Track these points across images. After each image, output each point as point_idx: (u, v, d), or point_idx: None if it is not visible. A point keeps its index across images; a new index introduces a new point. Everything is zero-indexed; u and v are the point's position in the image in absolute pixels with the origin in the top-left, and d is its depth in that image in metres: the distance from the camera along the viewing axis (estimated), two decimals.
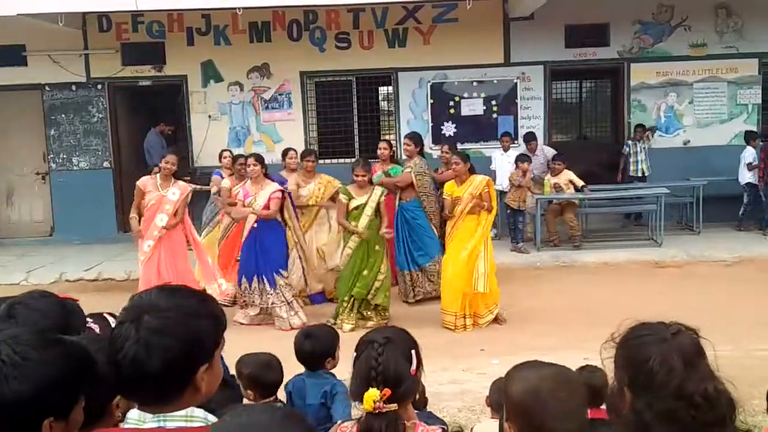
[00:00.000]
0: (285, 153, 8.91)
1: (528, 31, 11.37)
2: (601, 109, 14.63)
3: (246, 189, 7.62)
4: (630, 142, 11.18)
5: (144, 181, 7.57)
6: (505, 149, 10.68)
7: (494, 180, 10.01)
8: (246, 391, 3.55)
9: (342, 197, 7.45)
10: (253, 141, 11.62)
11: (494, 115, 11.67)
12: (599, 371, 3.67)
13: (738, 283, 8.60)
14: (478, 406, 5.01)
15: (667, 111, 11.67)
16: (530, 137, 10.89)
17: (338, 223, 7.70)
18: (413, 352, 2.07)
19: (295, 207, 8.15)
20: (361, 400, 1.95)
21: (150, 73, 11.70)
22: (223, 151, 9.47)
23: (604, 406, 3.24)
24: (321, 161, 9.54)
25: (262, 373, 3.54)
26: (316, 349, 3.67)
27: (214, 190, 8.74)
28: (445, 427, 2.77)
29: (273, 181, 7.75)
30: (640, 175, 11.10)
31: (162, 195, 7.42)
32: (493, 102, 11.64)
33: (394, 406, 1.94)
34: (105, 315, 2.34)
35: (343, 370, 3.67)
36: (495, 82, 11.61)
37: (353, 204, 7.38)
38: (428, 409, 3.87)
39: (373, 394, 1.93)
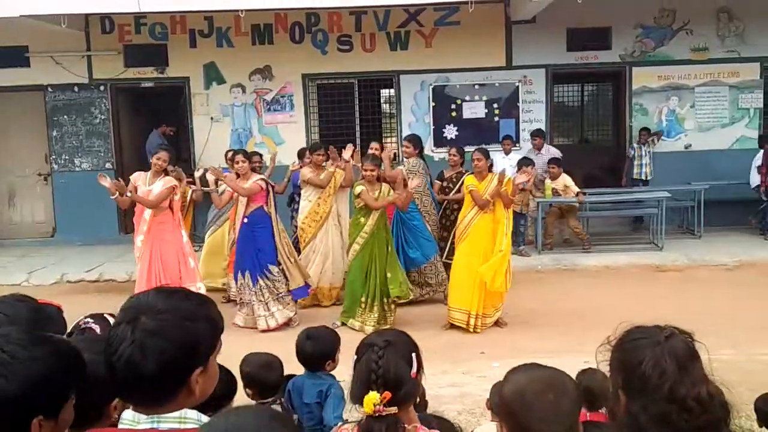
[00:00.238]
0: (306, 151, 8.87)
1: (530, 34, 11.38)
2: (603, 113, 14.63)
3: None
4: (635, 145, 11.18)
5: (135, 177, 7.55)
6: (507, 152, 10.69)
7: None
8: (246, 390, 3.57)
9: (359, 187, 7.39)
10: (255, 143, 11.62)
11: (496, 118, 11.68)
12: (599, 374, 3.68)
13: (739, 287, 8.60)
14: (478, 409, 5.01)
15: (668, 115, 11.68)
16: (538, 133, 10.90)
17: (375, 207, 7.35)
18: (414, 355, 2.07)
19: (298, 198, 8.19)
20: (361, 403, 1.95)
21: (152, 74, 11.72)
22: (228, 151, 9.52)
23: (603, 410, 3.26)
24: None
25: (261, 373, 3.54)
26: (316, 350, 3.70)
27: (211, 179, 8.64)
28: (450, 423, 2.77)
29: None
30: (643, 178, 11.11)
31: (149, 190, 7.42)
32: (495, 105, 11.65)
33: (394, 410, 1.94)
34: (106, 316, 2.34)
35: (343, 371, 3.69)
36: (497, 85, 11.62)
37: (363, 202, 7.37)
38: (428, 412, 3.87)
39: (373, 397, 1.93)
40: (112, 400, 1.80)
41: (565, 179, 10.15)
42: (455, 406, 5.15)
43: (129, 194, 7.28)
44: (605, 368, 1.87)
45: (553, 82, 11.83)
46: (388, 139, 12.57)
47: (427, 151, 11.06)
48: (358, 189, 7.35)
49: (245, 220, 7.55)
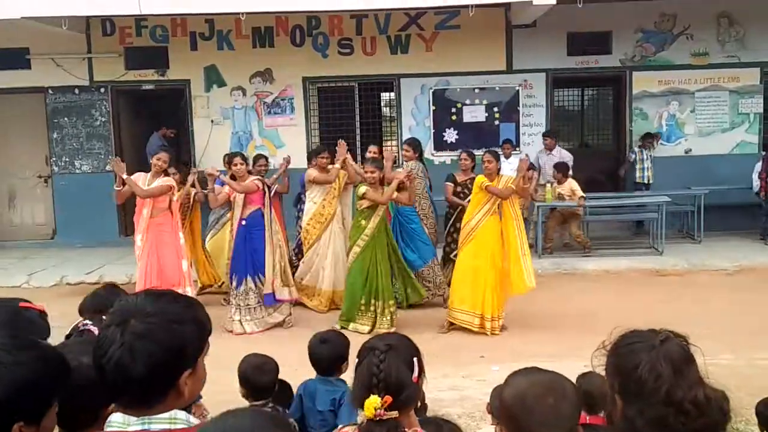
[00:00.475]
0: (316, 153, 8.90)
1: (530, 38, 11.40)
2: (603, 117, 14.63)
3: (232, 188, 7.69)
4: (637, 148, 11.18)
5: (136, 177, 7.56)
6: (507, 156, 10.69)
7: None
8: (240, 389, 3.58)
9: (363, 187, 7.38)
10: (255, 146, 11.63)
11: (496, 122, 11.69)
12: (599, 378, 3.68)
13: (739, 292, 8.60)
14: (479, 413, 5.00)
15: (668, 119, 11.69)
16: (549, 134, 10.93)
17: (385, 200, 7.37)
18: (415, 359, 2.07)
19: (281, 201, 8.21)
20: (362, 407, 1.95)
21: (153, 77, 11.73)
22: (226, 155, 9.49)
23: (603, 413, 3.26)
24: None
25: (253, 374, 3.56)
26: (332, 353, 3.70)
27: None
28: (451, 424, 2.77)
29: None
30: (646, 182, 11.11)
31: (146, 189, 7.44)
32: (495, 109, 11.66)
33: (394, 414, 1.94)
34: (104, 318, 2.34)
35: (345, 375, 3.70)
36: (497, 89, 11.63)
37: (365, 204, 7.38)
38: (428, 415, 3.87)
39: (374, 401, 1.93)
40: (109, 403, 1.80)
41: (571, 184, 10.13)
42: (455, 410, 5.15)
43: (124, 176, 7.31)
44: (602, 372, 1.87)
45: (553, 86, 11.85)
46: (388, 143, 12.57)
47: (427, 155, 11.09)
48: (363, 189, 7.34)
49: (243, 222, 7.57)
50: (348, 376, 3.47)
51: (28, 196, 12.18)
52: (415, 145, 8.68)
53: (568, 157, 10.86)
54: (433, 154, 11.55)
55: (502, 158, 10.63)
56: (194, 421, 1.64)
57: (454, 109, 11.68)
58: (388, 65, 11.59)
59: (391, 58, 11.59)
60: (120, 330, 1.57)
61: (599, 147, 14.28)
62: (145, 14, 10.44)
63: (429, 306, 8.17)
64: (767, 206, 10.62)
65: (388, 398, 1.93)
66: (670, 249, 10.10)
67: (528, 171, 9.84)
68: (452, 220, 8.36)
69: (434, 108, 11.67)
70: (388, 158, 8.08)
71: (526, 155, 7.96)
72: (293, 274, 8.15)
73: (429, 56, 11.55)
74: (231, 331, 7.55)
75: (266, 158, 9.10)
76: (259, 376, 3.55)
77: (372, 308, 7.40)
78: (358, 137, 11.95)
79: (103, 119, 11.81)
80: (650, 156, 11.14)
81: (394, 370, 1.98)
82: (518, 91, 11.62)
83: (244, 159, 7.81)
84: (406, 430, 2.00)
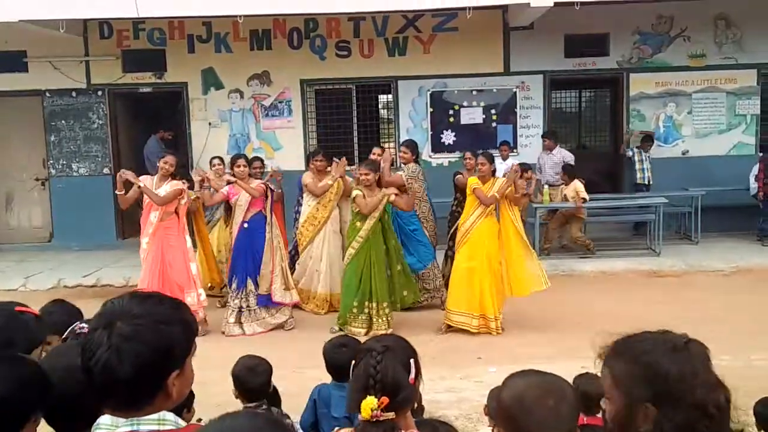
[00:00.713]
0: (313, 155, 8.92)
1: (528, 40, 11.41)
2: (601, 119, 14.65)
3: (232, 188, 7.69)
4: (636, 149, 11.18)
5: (143, 180, 7.57)
6: (504, 158, 10.71)
7: None
8: (234, 390, 3.58)
9: (357, 192, 7.41)
10: (253, 148, 11.63)
11: (494, 124, 11.70)
12: (596, 379, 3.68)
13: (736, 293, 8.61)
14: (476, 415, 5.01)
15: (666, 121, 11.70)
16: (550, 135, 10.94)
17: (368, 211, 7.35)
18: (412, 360, 2.07)
19: (283, 204, 8.24)
20: (359, 409, 1.95)
21: (150, 79, 11.73)
22: (214, 158, 9.48)
23: (600, 414, 3.26)
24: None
25: (245, 376, 3.56)
26: (350, 359, 3.68)
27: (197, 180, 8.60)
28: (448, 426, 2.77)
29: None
30: (646, 183, 11.13)
31: (155, 193, 7.44)
32: (493, 111, 11.67)
33: (391, 415, 1.94)
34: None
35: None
36: (494, 91, 11.64)
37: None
38: (426, 416, 3.87)
39: (370, 402, 1.93)
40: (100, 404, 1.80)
41: (576, 186, 10.11)
42: (452, 412, 5.15)
43: (141, 185, 7.27)
44: (606, 374, 1.83)
45: (550, 88, 11.86)
46: (386, 145, 12.56)
47: (425, 157, 11.10)
48: (355, 193, 7.36)
49: (245, 225, 7.56)
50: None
51: (26, 199, 12.16)
52: (413, 147, 8.67)
53: (569, 157, 10.87)
54: (430, 156, 11.56)
55: (500, 160, 10.71)
56: (182, 423, 1.65)
57: (451, 111, 11.69)
58: (385, 67, 11.59)
59: (388, 60, 11.60)
60: (107, 332, 1.58)
61: (596, 148, 14.30)
62: (142, 17, 10.42)
63: (426, 308, 8.18)
64: (764, 208, 10.63)
65: (385, 399, 1.93)
66: (667, 250, 10.11)
67: (527, 172, 9.93)
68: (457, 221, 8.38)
69: (432, 110, 11.68)
70: (386, 159, 8.08)
71: (514, 165, 7.95)
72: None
73: (426, 58, 11.56)
74: (223, 332, 7.55)
75: (261, 160, 9.13)
76: (251, 378, 3.55)
77: (366, 310, 7.39)
78: (355, 139, 11.95)
79: (101, 122, 11.80)
80: (648, 157, 11.15)
81: (391, 372, 1.98)
82: (516, 92, 11.63)
83: (248, 161, 7.82)
84: (403, 431, 2.00)
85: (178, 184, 7.51)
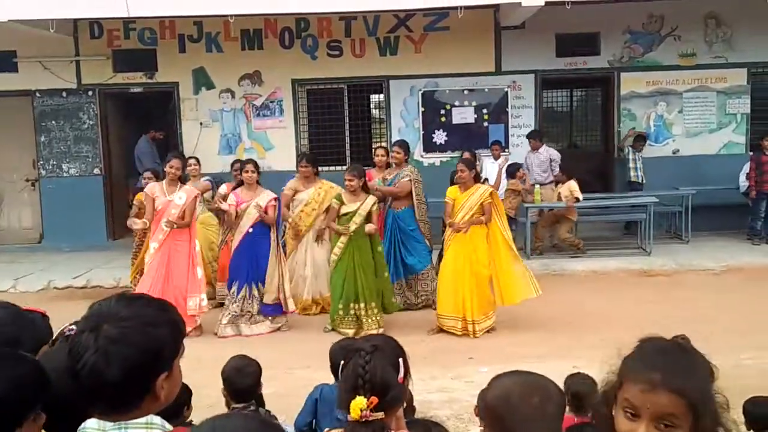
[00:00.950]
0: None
1: (519, 40, 11.43)
2: (592, 118, 14.71)
3: (239, 195, 7.64)
4: (629, 148, 11.21)
5: (151, 188, 7.57)
6: (496, 157, 10.72)
7: None
8: (223, 391, 3.57)
9: (334, 202, 7.49)
10: (245, 148, 11.62)
11: (485, 124, 11.71)
12: (588, 379, 3.69)
13: (726, 291, 8.64)
14: (467, 415, 5.01)
15: (656, 120, 11.74)
16: (534, 134, 10.94)
17: (327, 225, 7.71)
18: (401, 360, 2.07)
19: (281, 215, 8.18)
20: (348, 409, 1.94)
21: (141, 79, 11.69)
22: (190, 157, 9.44)
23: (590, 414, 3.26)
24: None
25: (233, 376, 3.55)
26: None
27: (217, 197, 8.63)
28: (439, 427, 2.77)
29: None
30: (640, 181, 11.16)
31: (168, 200, 7.44)
32: (484, 110, 11.68)
33: (381, 415, 1.94)
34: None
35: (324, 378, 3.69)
36: (486, 90, 11.65)
37: (343, 210, 7.40)
38: (417, 417, 3.87)
39: (360, 402, 1.92)
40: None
41: (570, 186, 10.09)
42: (444, 412, 5.15)
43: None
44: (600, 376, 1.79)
45: (542, 87, 11.88)
46: (378, 144, 12.54)
47: (416, 157, 11.12)
48: (333, 201, 7.51)
49: (249, 230, 7.53)
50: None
51: (16, 200, 12.10)
52: (405, 147, 8.67)
53: (555, 155, 10.89)
54: (422, 156, 11.57)
55: (492, 159, 10.73)
56: (169, 426, 1.64)
57: (443, 111, 11.69)
58: (377, 67, 11.59)
59: (380, 59, 11.60)
60: (94, 335, 1.57)
61: (588, 147, 14.35)
62: (133, 17, 10.39)
63: (417, 309, 8.18)
64: (754, 206, 10.69)
65: (374, 399, 1.93)
66: (658, 249, 10.14)
67: (519, 170, 9.99)
68: None
69: (423, 109, 11.68)
70: (381, 163, 8.17)
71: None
72: None
73: (418, 58, 11.56)
74: (215, 333, 7.53)
75: (241, 162, 9.11)
76: (240, 379, 3.54)
77: (352, 311, 7.40)
78: (347, 139, 11.95)
79: (91, 122, 11.75)
80: (641, 157, 11.19)
81: (380, 371, 1.98)
82: (507, 92, 11.64)
83: (257, 167, 7.76)
84: (392, 431, 2.00)
85: (193, 191, 7.54)
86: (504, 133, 11.64)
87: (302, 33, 11.58)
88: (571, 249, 10.23)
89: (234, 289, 7.58)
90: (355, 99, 12.03)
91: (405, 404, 2.17)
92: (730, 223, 11.02)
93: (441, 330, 7.40)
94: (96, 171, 11.74)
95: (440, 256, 8.44)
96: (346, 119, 11.92)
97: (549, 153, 10.91)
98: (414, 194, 8.19)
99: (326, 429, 2.25)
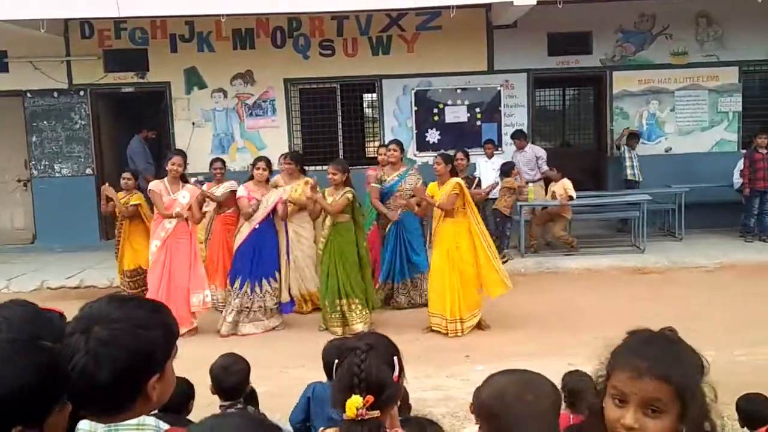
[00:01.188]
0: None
1: (511, 39, 11.44)
2: (584, 117, 14.71)
3: (249, 191, 7.65)
4: (624, 147, 11.22)
5: (156, 185, 7.55)
6: (489, 156, 10.73)
7: (479, 187, 10.06)
8: (211, 388, 3.57)
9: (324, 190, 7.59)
10: (237, 148, 11.60)
11: (478, 123, 11.72)
12: (585, 376, 3.69)
13: (719, 289, 8.67)
14: (462, 412, 5.01)
15: (649, 118, 11.77)
16: (518, 134, 10.95)
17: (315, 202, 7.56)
18: (395, 358, 2.06)
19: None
20: (343, 408, 1.94)
21: (133, 79, 11.65)
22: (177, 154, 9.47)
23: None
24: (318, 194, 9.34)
25: (220, 374, 3.55)
26: None
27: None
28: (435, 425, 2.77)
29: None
30: (637, 179, 11.19)
31: (173, 199, 7.45)
32: (477, 109, 11.69)
33: (376, 413, 1.93)
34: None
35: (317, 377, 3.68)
36: (478, 89, 11.66)
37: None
38: (412, 414, 3.87)
39: (355, 401, 1.92)
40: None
41: (564, 184, 10.12)
42: (439, 410, 5.14)
43: (115, 199, 7.43)
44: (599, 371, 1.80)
45: (534, 86, 11.89)
46: (371, 144, 12.56)
47: (410, 156, 11.13)
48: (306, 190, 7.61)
49: (256, 227, 7.54)
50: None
51: (8, 201, 12.04)
52: (402, 146, 8.75)
53: (540, 153, 10.91)
54: (415, 155, 11.56)
55: (484, 158, 10.74)
56: (163, 425, 1.63)
57: (436, 110, 11.70)
58: (369, 66, 11.58)
59: (372, 59, 11.59)
60: (84, 337, 1.55)
61: (580, 146, 14.36)
62: (124, 16, 10.35)
63: (412, 307, 8.18)
64: (747, 204, 10.73)
65: (370, 398, 1.92)
66: (651, 247, 10.16)
67: (513, 169, 10.02)
68: None
69: (416, 109, 11.68)
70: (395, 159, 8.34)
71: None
72: None
73: (410, 57, 11.56)
74: (218, 331, 7.53)
75: (223, 161, 9.16)
76: (226, 377, 3.54)
77: (338, 308, 7.41)
78: (340, 138, 11.94)
79: (83, 122, 11.71)
80: (636, 155, 11.21)
81: (375, 370, 1.97)
82: (500, 91, 11.65)
83: (269, 164, 7.79)
84: (387, 429, 1.99)
85: (195, 190, 7.58)
86: (497, 131, 11.65)
87: (294, 32, 11.57)
88: (565, 247, 10.25)
89: (237, 284, 7.58)
90: (347, 98, 12.02)
91: (399, 402, 2.17)
92: (723, 220, 11.06)
93: (432, 329, 7.41)
94: (88, 171, 11.70)
95: None
96: (339, 119, 11.91)
97: (534, 151, 10.92)
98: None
99: (321, 429, 2.23)
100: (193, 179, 9.19)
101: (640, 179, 11.19)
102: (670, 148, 11.74)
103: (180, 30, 11.49)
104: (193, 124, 11.64)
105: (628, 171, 11.20)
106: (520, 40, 11.41)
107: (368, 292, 7.55)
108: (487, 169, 10.59)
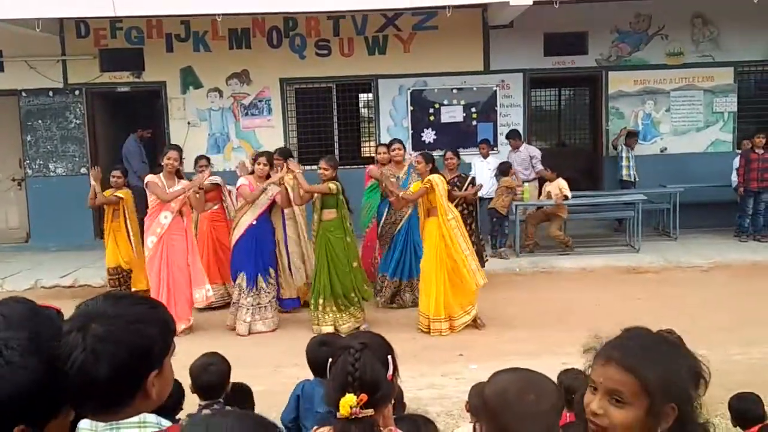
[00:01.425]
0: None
1: (507, 39, 11.44)
2: (580, 117, 14.75)
3: (252, 184, 7.70)
4: (622, 147, 11.23)
5: (152, 178, 7.54)
6: (485, 156, 10.73)
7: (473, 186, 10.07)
8: (191, 386, 3.57)
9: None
10: (233, 147, 11.58)
11: (474, 122, 11.72)
12: (580, 375, 3.70)
13: (714, 288, 8.70)
14: (457, 411, 5.02)
15: (644, 119, 11.78)
16: (513, 134, 10.96)
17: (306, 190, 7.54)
18: (390, 357, 2.07)
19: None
20: (337, 406, 1.94)
21: (128, 79, 11.63)
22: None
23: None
24: (301, 167, 9.39)
25: (197, 373, 3.53)
26: (330, 356, 3.67)
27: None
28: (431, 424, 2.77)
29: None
30: (632, 180, 11.19)
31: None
32: (473, 109, 11.70)
33: (370, 412, 1.94)
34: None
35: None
36: (474, 89, 11.66)
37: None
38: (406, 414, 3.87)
39: (349, 399, 1.92)
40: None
41: (560, 183, 10.13)
42: (434, 408, 5.15)
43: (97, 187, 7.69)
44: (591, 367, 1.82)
45: (530, 86, 11.90)
46: (366, 144, 12.56)
47: (406, 156, 11.08)
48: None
49: (254, 222, 7.57)
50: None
51: (2, 200, 12.02)
52: (404, 145, 8.88)
53: (535, 152, 10.92)
54: (411, 155, 11.52)
55: (480, 158, 10.74)
56: (165, 423, 1.62)
57: (431, 110, 11.70)
58: (365, 66, 11.58)
59: (368, 59, 11.58)
60: (81, 334, 1.55)
61: (576, 146, 14.40)
62: (119, 16, 10.35)
63: (407, 306, 8.18)
64: (742, 203, 10.74)
65: (364, 397, 1.93)
66: (646, 246, 10.18)
67: (510, 169, 10.04)
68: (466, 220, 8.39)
69: (412, 108, 11.68)
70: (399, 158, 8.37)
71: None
72: None
73: (406, 57, 11.56)
74: (233, 329, 7.56)
75: (207, 159, 9.21)
76: (203, 376, 3.53)
77: (327, 308, 7.42)
78: (336, 138, 11.94)
79: (78, 122, 11.69)
80: (634, 155, 11.22)
81: (369, 369, 1.98)
82: (496, 91, 11.66)
83: (269, 160, 7.82)
84: (381, 428, 1.99)
85: (195, 183, 7.60)
86: (493, 131, 11.65)
87: (290, 32, 11.56)
88: (560, 246, 10.26)
89: (242, 281, 7.56)
90: (343, 98, 12.01)
91: (394, 401, 2.18)
92: (718, 220, 11.08)
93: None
94: (83, 170, 11.66)
95: None
96: (335, 118, 11.90)
97: (529, 151, 10.94)
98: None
99: (314, 428, 2.24)
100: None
101: (636, 180, 11.20)
102: (666, 148, 11.77)
103: (176, 29, 11.48)
104: (189, 123, 11.63)
105: (624, 171, 11.21)
106: (516, 40, 11.42)
107: (358, 286, 7.50)
108: (482, 169, 10.59)
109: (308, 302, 7.85)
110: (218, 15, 9.93)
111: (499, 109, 11.69)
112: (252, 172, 7.86)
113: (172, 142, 11.48)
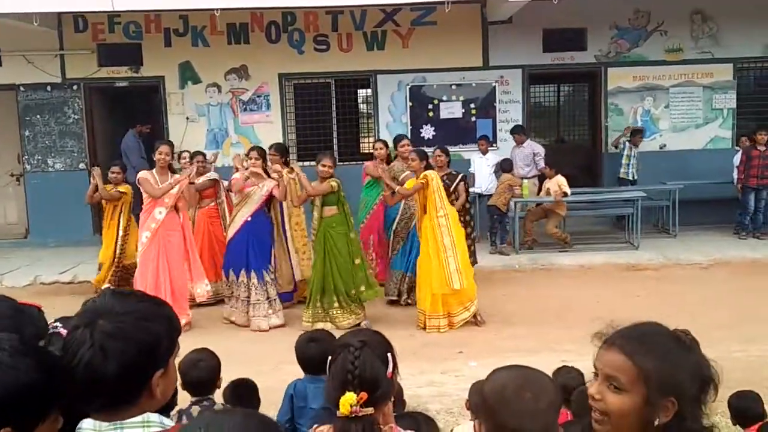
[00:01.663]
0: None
1: (506, 35, 11.42)
2: (579, 113, 14.75)
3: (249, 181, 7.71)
4: (626, 145, 11.19)
5: (144, 174, 7.52)
6: (483, 152, 10.72)
7: (473, 183, 10.08)
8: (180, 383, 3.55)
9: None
10: (231, 143, 11.56)
11: (473, 118, 11.70)
12: (573, 371, 3.70)
13: (713, 285, 8.70)
14: (457, 408, 5.01)
15: (643, 115, 11.77)
16: (518, 129, 10.94)
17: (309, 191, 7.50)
18: (389, 355, 2.06)
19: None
20: (337, 405, 1.93)
21: (127, 74, 11.60)
22: (182, 152, 9.50)
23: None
24: (300, 164, 9.38)
25: (186, 369, 3.51)
26: (320, 353, 3.66)
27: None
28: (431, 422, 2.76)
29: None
30: (631, 178, 11.17)
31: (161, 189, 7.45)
32: (472, 105, 11.68)
33: (370, 410, 1.93)
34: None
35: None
36: (473, 85, 11.64)
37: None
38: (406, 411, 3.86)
39: (349, 398, 1.91)
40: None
41: (558, 180, 10.10)
42: (434, 406, 5.14)
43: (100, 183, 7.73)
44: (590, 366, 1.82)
45: (529, 82, 11.88)
46: (365, 139, 12.54)
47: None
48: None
49: (249, 219, 7.56)
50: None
51: (1, 195, 12.00)
52: (409, 141, 8.81)
53: (538, 149, 10.90)
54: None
55: (479, 154, 10.73)
56: (168, 422, 1.62)
57: (430, 106, 11.68)
58: (364, 61, 11.55)
59: (367, 54, 11.56)
60: (89, 331, 1.55)
61: (575, 142, 14.40)
62: (117, 10, 10.31)
63: (407, 304, 8.17)
64: (742, 200, 10.72)
65: (364, 395, 1.92)
66: (645, 243, 10.18)
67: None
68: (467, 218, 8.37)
69: (411, 104, 11.66)
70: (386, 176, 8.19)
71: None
72: None
73: (405, 52, 11.53)
74: (246, 326, 7.55)
75: (204, 155, 9.18)
76: (192, 372, 3.50)
77: (326, 306, 7.42)
78: (334, 134, 11.91)
79: (76, 117, 11.65)
80: (636, 153, 11.17)
81: (369, 367, 1.97)
82: (495, 87, 11.64)
83: (261, 155, 7.76)
84: (381, 426, 1.99)
85: (184, 180, 7.55)
86: (492, 127, 11.64)
87: (289, 27, 11.52)
88: (559, 243, 10.25)
89: (232, 276, 7.57)
90: (342, 94, 11.99)
91: (394, 399, 2.17)
92: (718, 217, 11.08)
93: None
94: (81, 166, 11.64)
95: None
96: (334, 114, 11.88)
97: (532, 147, 10.92)
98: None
99: (314, 426, 2.23)
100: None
101: (636, 179, 11.16)
102: (665, 145, 11.75)
103: (174, 24, 11.44)
104: (187, 119, 11.59)
105: (622, 170, 11.17)
106: (515, 36, 11.39)
107: (359, 284, 7.46)
108: (481, 165, 10.59)
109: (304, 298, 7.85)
110: (217, 10, 9.90)
111: (498, 105, 11.67)
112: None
113: (171, 137, 11.49)
